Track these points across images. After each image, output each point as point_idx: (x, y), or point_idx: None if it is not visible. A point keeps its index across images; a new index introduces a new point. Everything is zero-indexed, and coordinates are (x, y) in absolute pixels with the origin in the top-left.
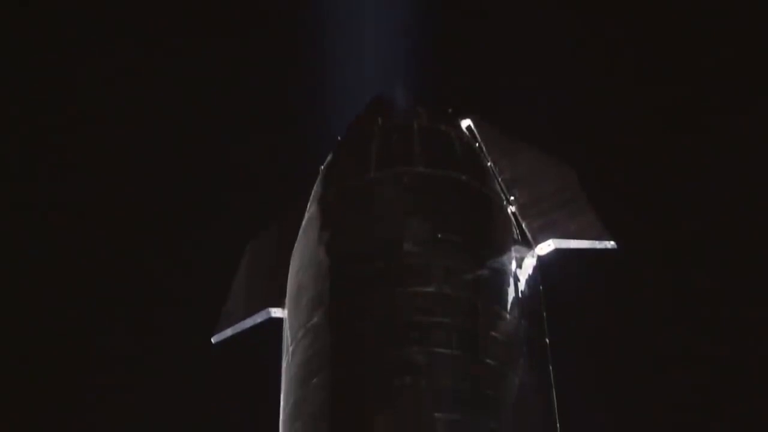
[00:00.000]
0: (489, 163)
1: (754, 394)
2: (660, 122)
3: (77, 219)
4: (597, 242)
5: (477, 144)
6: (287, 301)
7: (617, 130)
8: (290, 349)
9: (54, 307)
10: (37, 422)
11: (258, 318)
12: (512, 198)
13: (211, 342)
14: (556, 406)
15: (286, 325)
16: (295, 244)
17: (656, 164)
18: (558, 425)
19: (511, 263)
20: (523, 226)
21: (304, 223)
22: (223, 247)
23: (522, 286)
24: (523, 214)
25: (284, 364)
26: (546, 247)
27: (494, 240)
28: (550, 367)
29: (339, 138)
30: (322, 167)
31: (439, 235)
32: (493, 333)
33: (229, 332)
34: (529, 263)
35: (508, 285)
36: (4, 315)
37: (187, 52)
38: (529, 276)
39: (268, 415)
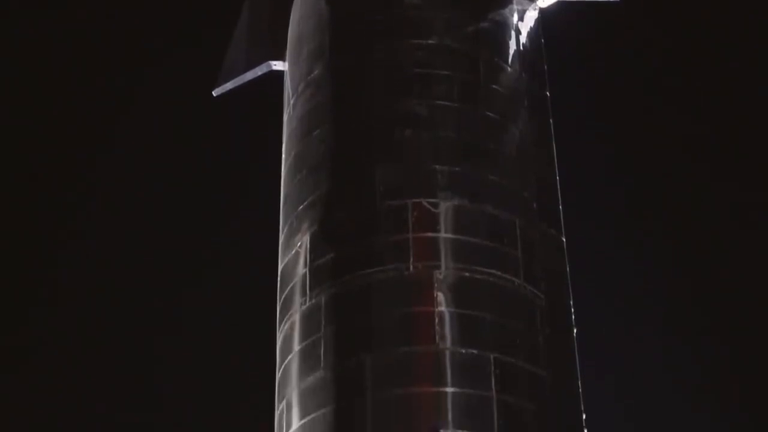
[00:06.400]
0: None
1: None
2: None
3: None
4: None
5: None
6: (288, 52)
7: None
8: (291, 101)
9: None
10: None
11: (258, 71)
12: None
13: (212, 95)
14: (555, 158)
15: (286, 78)
16: None
17: None
18: (557, 176)
19: (512, 16)
20: None
21: None
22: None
23: (523, 38)
24: None
25: (285, 117)
26: None
27: None
28: (550, 120)
29: None
30: None
31: None
32: (494, 85)
33: (229, 85)
34: (531, 16)
35: (510, 37)
36: None
37: None
38: (531, 29)
39: (270, 167)
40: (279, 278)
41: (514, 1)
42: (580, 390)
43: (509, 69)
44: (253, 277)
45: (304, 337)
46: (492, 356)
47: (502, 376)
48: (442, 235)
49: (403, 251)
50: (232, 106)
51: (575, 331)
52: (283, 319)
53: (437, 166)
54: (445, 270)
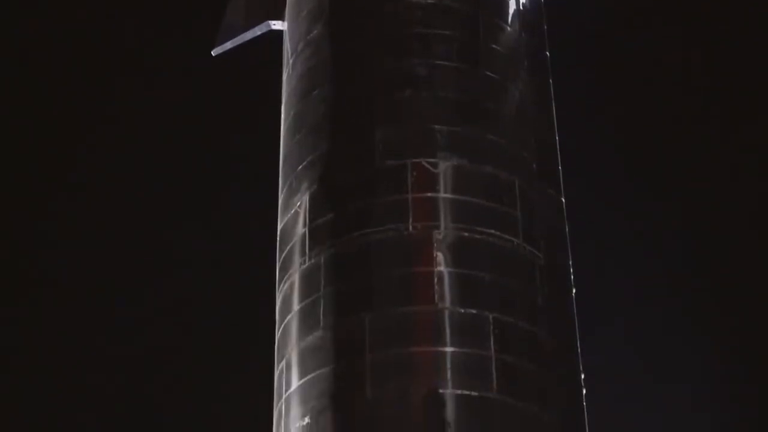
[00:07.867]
0: None
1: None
2: None
3: None
4: None
5: None
6: (287, 12)
7: None
8: (290, 61)
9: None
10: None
11: (258, 30)
12: None
13: (211, 55)
14: (555, 117)
15: (286, 38)
16: None
17: None
18: (557, 137)
19: None
20: None
21: None
22: None
23: None
24: None
25: (284, 77)
26: None
27: None
28: (550, 81)
29: None
30: None
31: None
32: (494, 45)
33: (228, 45)
34: None
35: None
36: None
37: None
38: None
39: (269, 127)
40: (278, 238)
41: None
42: (579, 350)
43: (509, 29)
44: (252, 238)
45: (303, 296)
46: (491, 316)
47: (501, 336)
48: (442, 195)
49: (402, 211)
50: (231, 65)
51: (574, 291)
52: (283, 279)
53: (437, 126)
54: (444, 230)
